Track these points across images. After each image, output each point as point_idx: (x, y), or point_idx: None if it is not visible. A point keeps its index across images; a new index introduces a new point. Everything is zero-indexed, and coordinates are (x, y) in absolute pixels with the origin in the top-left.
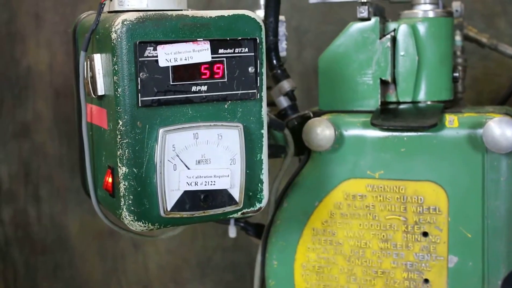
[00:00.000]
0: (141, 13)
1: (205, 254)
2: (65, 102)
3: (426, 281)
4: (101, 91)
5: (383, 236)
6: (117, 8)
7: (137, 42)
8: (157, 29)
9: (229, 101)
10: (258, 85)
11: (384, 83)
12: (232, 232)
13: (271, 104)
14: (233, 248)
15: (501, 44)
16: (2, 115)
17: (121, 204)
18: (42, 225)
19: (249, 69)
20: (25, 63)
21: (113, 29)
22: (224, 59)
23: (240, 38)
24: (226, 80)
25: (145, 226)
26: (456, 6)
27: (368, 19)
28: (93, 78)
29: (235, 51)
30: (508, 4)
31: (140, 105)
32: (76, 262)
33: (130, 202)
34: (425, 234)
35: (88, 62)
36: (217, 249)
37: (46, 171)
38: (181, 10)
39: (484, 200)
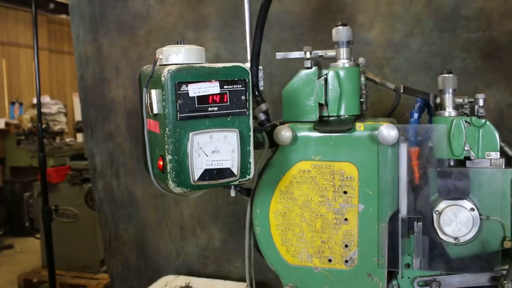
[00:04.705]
0: (178, 66)
1: (217, 206)
2: (134, 118)
3: (346, 219)
4: (155, 111)
5: (321, 194)
6: (164, 63)
7: (177, 82)
8: (188, 74)
9: (231, 116)
10: (247, 106)
11: (320, 105)
12: (233, 193)
13: (255, 117)
14: (233, 203)
15: (387, 82)
16: (97, 127)
17: (168, 177)
18: (120, 191)
19: (242, 97)
20: (109, 97)
21: (162, 75)
22: (227, 91)
23: (236, 79)
24: (228, 103)
25: (182, 190)
26: (361, 60)
27: (311, 67)
28: (151, 103)
29: (234, 87)
30: (390, 60)
31: (178, 119)
32: (140, 213)
33: (173, 175)
34: (345, 192)
35: (148, 94)
36: (223, 203)
37: (122, 159)
38: (202, 63)
39: (378, 172)
